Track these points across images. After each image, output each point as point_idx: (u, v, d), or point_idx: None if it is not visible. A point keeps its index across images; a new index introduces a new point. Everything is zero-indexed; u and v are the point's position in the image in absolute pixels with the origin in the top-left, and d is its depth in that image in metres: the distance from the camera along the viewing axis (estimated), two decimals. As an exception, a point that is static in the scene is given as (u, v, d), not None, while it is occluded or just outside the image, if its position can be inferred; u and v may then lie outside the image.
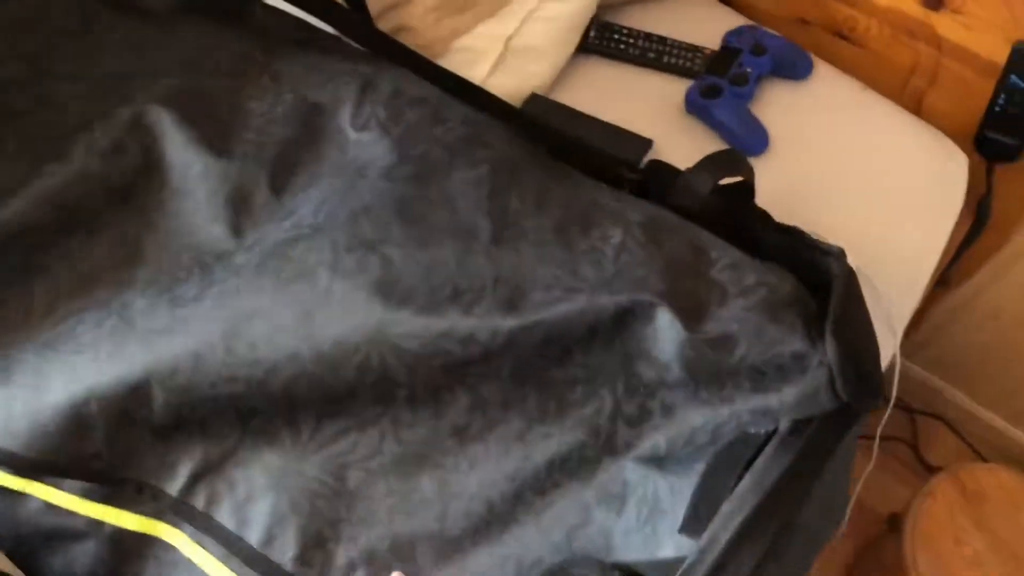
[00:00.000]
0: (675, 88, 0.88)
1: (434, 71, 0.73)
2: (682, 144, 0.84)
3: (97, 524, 0.52)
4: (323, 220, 0.55)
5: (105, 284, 0.55)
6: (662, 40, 0.91)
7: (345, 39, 0.71)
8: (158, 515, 0.51)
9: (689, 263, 0.54)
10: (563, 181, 0.60)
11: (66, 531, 0.52)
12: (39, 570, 0.53)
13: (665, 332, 0.52)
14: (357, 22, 0.73)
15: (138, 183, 0.58)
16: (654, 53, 0.90)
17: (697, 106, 0.85)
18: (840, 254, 0.53)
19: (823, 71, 0.90)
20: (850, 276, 0.52)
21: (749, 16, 0.96)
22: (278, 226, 0.56)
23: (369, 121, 0.60)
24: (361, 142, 0.59)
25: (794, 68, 0.89)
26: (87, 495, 0.52)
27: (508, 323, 0.52)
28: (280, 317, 0.52)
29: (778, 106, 0.87)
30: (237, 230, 0.56)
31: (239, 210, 0.57)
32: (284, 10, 0.71)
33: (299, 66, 0.63)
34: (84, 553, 0.52)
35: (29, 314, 0.54)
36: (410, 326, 0.52)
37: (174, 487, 0.52)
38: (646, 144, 0.83)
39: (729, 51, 0.88)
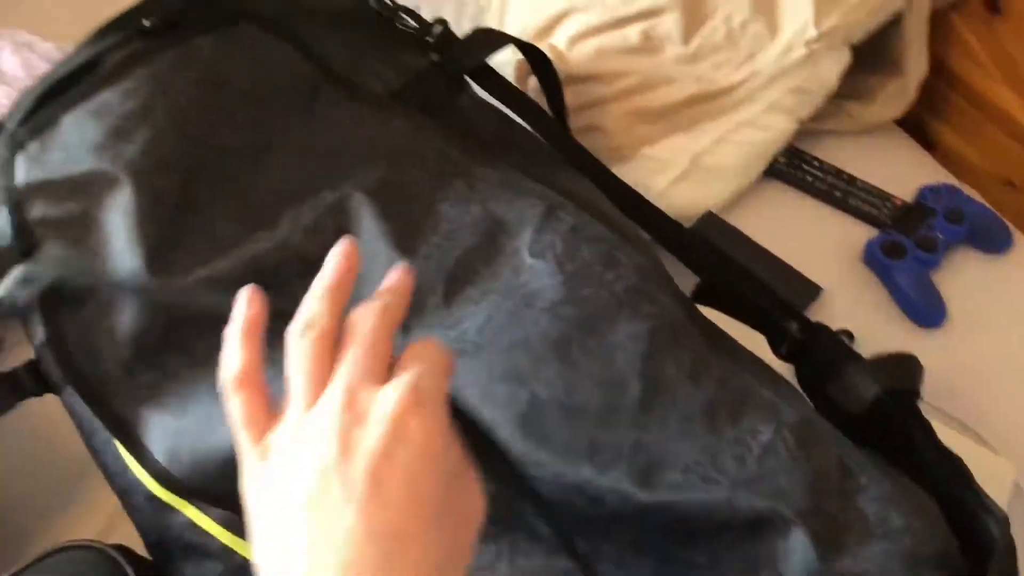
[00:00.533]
0: (856, 234, 0.84)
1: (615, 183, 0.72)
2: (852, 296, 0.81)
3: (230, 551, 0.54)
4: (484, 341, 0.54)
5: (276, 346, 0.57)
6: (852, 180, 0.87)
7: (537, 135, 0.71)
8: None
9: (836, 484, 0.51)
10: (722, 353, 0.57)
11: (202, 549, 0.55)
12: (174, 571, 0.56)
13: (797, 554, 0.49)
14: (552, 124, 0.73)
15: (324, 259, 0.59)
16: (841, 192, 0.86)
17: (876, 261, 0.81)
18: (1004, 521, 0.49)
19: (1022, 248, 0.84)
20: (1009, 551, 0.48)
21: (952, 166, 0.90)
22: (443, 334, 0.56)
23: (546, 251, 0.58)
24: (535, 269, 0.58)
25: (991, 240, 0.83)
26: (227, 525, 0.54)
27: (639, 496, 0.51)
28: None
29: (964, 278, 0.81)
30: (406, 327, 0.56)
31: (411, 308, 0.57)
32: (489, 103, 0.71)
33: (493, 176, 0.62)
34: (213, 571, 0.55)
35: (210, 359, 0.56)
36: (543, 470, 0.51)
37: None
38: (815, 291, 0.80)
39: (922, 209, 0.83)
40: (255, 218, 0.59)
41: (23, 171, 0.57)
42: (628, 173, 0.81)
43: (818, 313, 0.79)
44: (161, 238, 0.56)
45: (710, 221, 0.83)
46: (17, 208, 0.56)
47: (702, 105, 0.82)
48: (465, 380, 0.53)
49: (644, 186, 0.81)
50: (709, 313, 0.63)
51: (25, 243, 0.56)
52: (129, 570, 0.53)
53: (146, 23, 0.59)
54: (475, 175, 0.62)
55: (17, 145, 0.57)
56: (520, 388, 0.53)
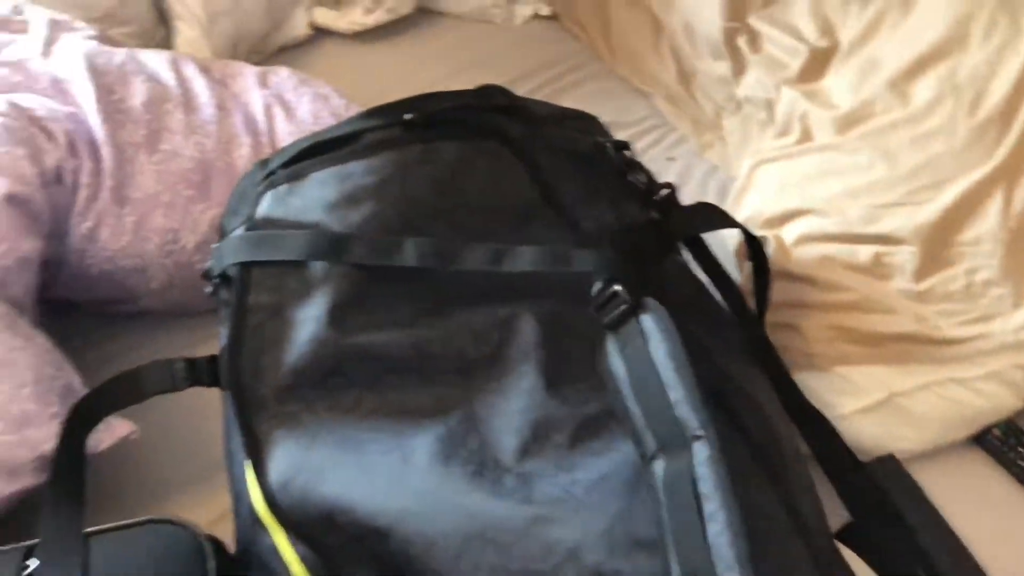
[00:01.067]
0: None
1: (792, 390, 0.69)
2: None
3: None
4: (591, 500, 0.54)
5: (411, 424, 0.59)
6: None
7: (730, 316, 0.71)
8: None
9: None
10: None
11: (275, 574, 0.56)
12: None
13: None
14: (748, 312, 0.72)
15: (479, 368, 0.61)
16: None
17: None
18: None
19: None
20: None
21: None
22: (553, 478, 0.56)
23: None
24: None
25: None
26: (305, 561, 0.56)
27: None
28: (512, 562, 0.52)
29: None
30: (524, 452, 0.57)
31: (537, 438, 0.58)
32: (692, 271, 0.71)
33: None
34: None
35: (350, 411, 0.59)
36: None
37: None
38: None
39: None
40: (433, 307, 0.62)
41: (266, 205, 0.65)
42: (815, 384, 0.78)
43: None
44: (350, 296, 0.61)
45: (889, 465, 0.77)
46: (252, 231, 0.64)
47: (915, 345, 0.78)
48: (561, 529, 0.53)
49: (828, 404, 0.77)
50: (848, 555, 0.59)
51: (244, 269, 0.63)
52: (211, 562, 0.56)
53: (408, 116, 0.66)
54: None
55: (271, 183, 0.66)
56: (608, 560, 0.52)
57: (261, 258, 0.63)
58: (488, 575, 0.51)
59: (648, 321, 0.57)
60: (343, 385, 0.60)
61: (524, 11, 1.38)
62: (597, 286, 0.60)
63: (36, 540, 0.55)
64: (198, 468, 0.77)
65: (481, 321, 0.62)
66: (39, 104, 0.79)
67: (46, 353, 0.67)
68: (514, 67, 1.29)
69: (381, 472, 0.56)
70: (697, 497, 0.50)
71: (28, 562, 0.54)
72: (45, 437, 0.64)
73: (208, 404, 0.73)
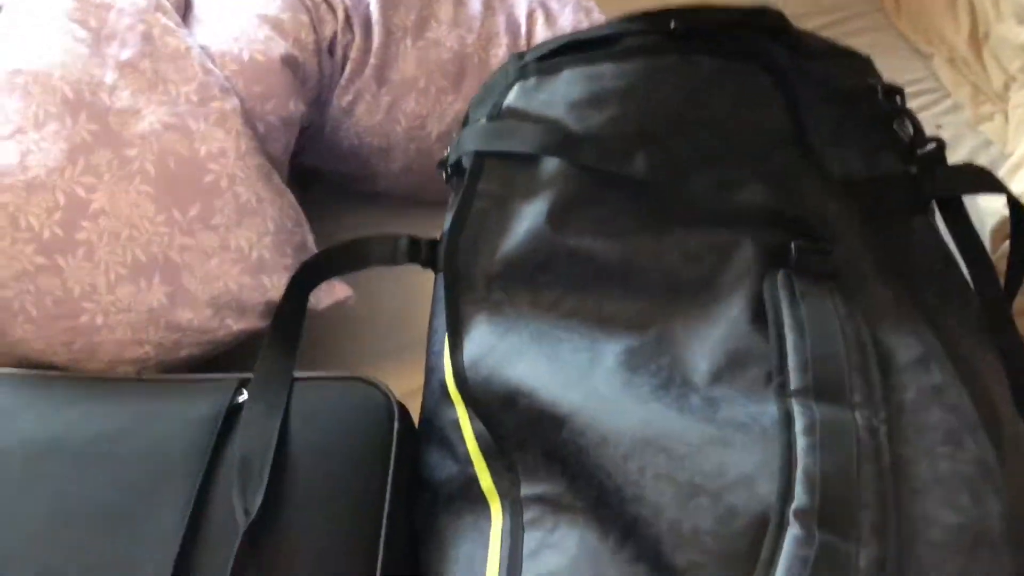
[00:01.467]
0: None
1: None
2: None
3: (468, 461, 0.58)
4: (776, 435, 0.51)
5: (606, 331, 0.59)
6: None
7: (971, 291, 0.65)
8: (503, 493, 0.56)
9: None
10: None
11: (452, 447, 0.59)
12: (425, 450, 0.62)
13: None
14: (996, 289, 0.65)
15: (687, 288, 0.60)
16: None
17: None
18: None
19: None
20: None
21: None
22: (743, 406, 0.54)
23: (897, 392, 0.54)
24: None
25: None
26: (479, 439, 0.58)
27: None
28: (680, 473, 0.51)
29: None
30: (716, 377, 0.56)
31: (732, 366, 0.56)
32: (941, 236, 0.65)
33: (890, 300, 0.59)
34: (448, 469, 0.59)
35: (551, 308, 0.60)
36: None
37: (526, 491, 0.55)
38: None
39: None
40: (651, 221, 0.61)
41: (514, 95, 0.66)
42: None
43: None
44: (572, 198, 0.61)
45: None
46: (492, 120, 0.65)
47: None
48: (739, 454, 0.51)
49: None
50: None
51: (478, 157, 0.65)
52: (396, 424, 0.60)
53: (673, 24, 0.64)
54: (871, 292, 0.59)
55: (523, 75, 0.66)
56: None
57: (495, 148, 0.64)
58: (652, 480, 0.50)
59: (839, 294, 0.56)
60: (549, 282, 0.61)
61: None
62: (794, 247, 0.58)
63: (251, 375, 0.60)
64: (399, 344, 0.81)
65: (697, 243, 0.61)
66: (325, -25, 0.84)
67: (290, 208, 0.72)
68: (790, 5, 1.22)
69: (568, 366, 0.56)
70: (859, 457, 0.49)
71: (240, 392, 0.59)
72: (275, 285, 0.69)
73: (421, 289, 0.77)
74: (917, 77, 1.15)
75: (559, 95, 0.64)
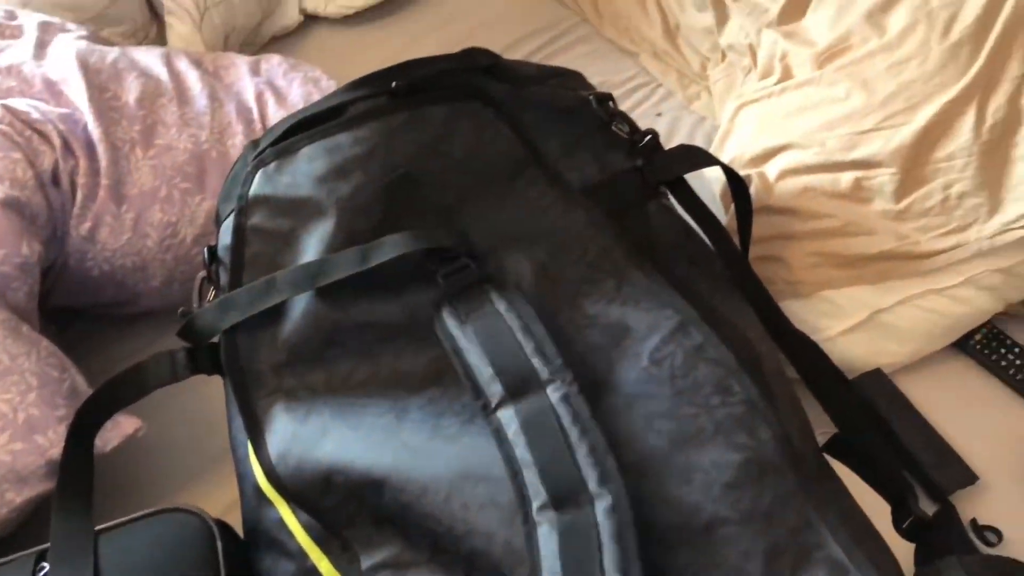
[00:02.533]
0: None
1: (778, 318, 0.68)
2: (1016, 497, 0.70)
3: (303, 554, 0.56)
4: None
5: (405, 388, 0.58)
6: (1053, 379, 0.76)
7: (714, 253, 0.69)
8: (345, 574, 0.54)
9: None
10: (811, 502, 0.52)
11: (283, 547, 0.57)
12: (257, 560, 0.58)
13: None
14: (732, 247, 0.70)
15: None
16: (1036, 388, 0.76)
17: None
18: None
19: None
20: None
21: None
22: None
23: (664, 361, 0.56)
24: (648, 376, 0.56)
25: None
26: (308, 530, 0.56)
27: None
28: (502, 496, 0.51)
29: None
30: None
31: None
32: (678, 213, 0.69)
33: (643, 282, 0.61)
34: (286, 570, 0.57)
35: (345, 381, 0.59)
36: None
37: (367, 563, 0.53)
38: (969, 478, 0.70)
39: None
40: (419, 272, 0.61)
41: (258, 184, 0.63)
42: (801, 310, 0.77)
43: (968, 504, 0.70)
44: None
45: (875, 378, 0.76)
46: (242, 212, 0.63)
47: (895, 263, 0.76)
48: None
49: (814, 327, 0.76)
50: (838, 467, 0.58)
51: (237, 240, 0.62)
52: (220, 544, 0.56)
53: (394, 84, 0.64)
54: (627, 278, 0.62)
55: (261, 162, 0.64)
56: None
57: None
58: (477, 511, 0.51)
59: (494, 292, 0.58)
60: (338, 356, 0.59)
61: (510, -20, 1.35)
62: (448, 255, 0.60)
63: (47, 545, 0.54)
64: (205, 459, 0.76)
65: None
66: (33, 107, 0.77)
67: (50, 357, 0.66)
68: (504, 36, 1.26)
69: (375, 431, 0.55)
70: (562, 429, 0.52)
71: (41, 565, 0.53)
72: (53, 441, 0.62)
73: (212, 394, 0.72)
74: (631, 75, 1.21)
75: (303, 173, 0.63)
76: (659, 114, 1.14)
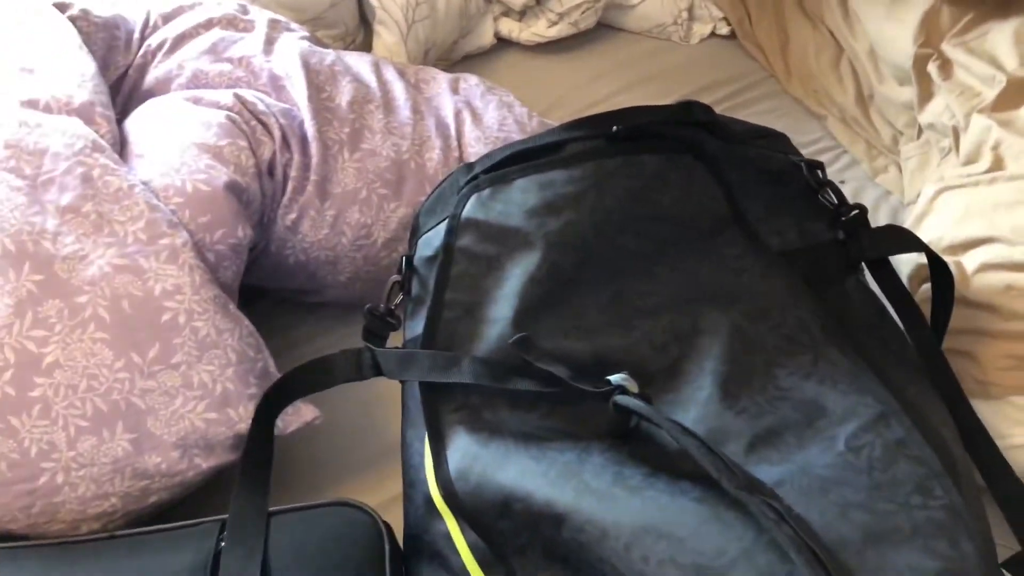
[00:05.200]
0: None
1: (970, 418, 0.64)
2: None
3: (465, 573, 0.56)
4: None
5: (588, 430, 0.58)
6: None
7: (907, 340, 0.66)
8: None
9: None
10: None
11: (446, 561, 0.57)
12: (414, 568, 0.59)
13: None
14: (928, 337, 0.67)
15: (658, 378, 0.60)
16: None
17: None
18: None
19: None
20: None
21: None
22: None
23: (863, 450, 0.54)
24: (844, 462, 0.53)
25: None
26: (474, 550, 0.56)
27: None
28: (683, 556, 0.50)
29: None
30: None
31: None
32: (873, 292, 0.67)
33: (843, 362, 0.59)
34: None
35: (528, 412, 0.59)
36: None
37: None
38: None
39: None
40: (616, 317, 0.61)
41: (471, 207, 0.65)
42: (986, 412, 0.72)
43: None
44: (538, 301, 0.61)
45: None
46: (452, 232, 0.64)
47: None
48: (735, 529, 0.50)
49: (998, 433, 0.71)
50: None
51: (444, 257, 0.64)
52: (387, 546, 0.57)
53: (614, 128, 0.65)
54: (825, 355, 0.60)
55: (476, 187, 0.66)
56: (780, 565, 0.48)
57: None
58: (656, 566, 0.49)
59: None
60: (524, 385, 0.59)
61: (703, 30, 1.33)
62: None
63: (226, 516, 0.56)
64: (368, 455, 0.78)
65: (663, 332, 0.61)
66: (259, 99, 0.81)
67: (249, 336, 0.68)
68: (687, 84, 1.25)
69: (557, 466, 0.55)
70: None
71: (224, 535, 0.55)
72: (242, 416, 0.65)
73: (378, 397, 0.73)
74: (815, 137, 1.18)
75: (515, 204, 0.64)
76: (842, 181, 1.10)
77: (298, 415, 0.68)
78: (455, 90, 0.99)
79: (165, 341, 0.62)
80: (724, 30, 1.34)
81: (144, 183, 0.70)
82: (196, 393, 0.62)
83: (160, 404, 0.61)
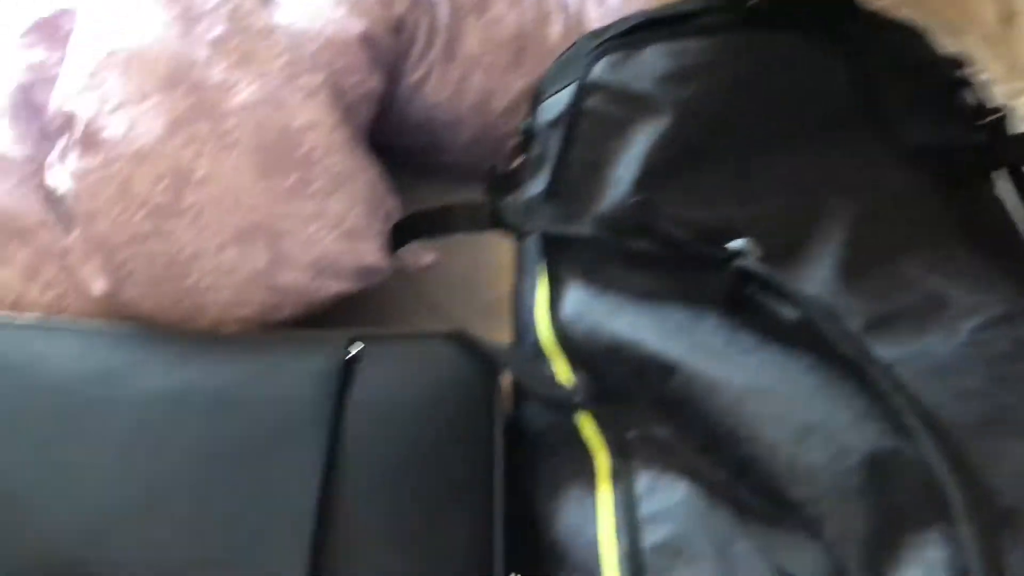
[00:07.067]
0: None
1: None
2: None
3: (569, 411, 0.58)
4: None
5: (701, 296, 0.59)
6: None
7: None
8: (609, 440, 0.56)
9: None
10: None
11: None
12: (520, 406, 0.63)
13: None
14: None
15: (777, 253, 0.60)
16: None
17: None
18: None
19: None
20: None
21: None
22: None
23: (987, 343, 0.54)
24: (964, 352, 0.54)
25: None
26: (586, 389, 0.58)
27: None
28: (794, 414, 0.51)
29: None
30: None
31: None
32: (1002, 203, 0.66)
33: (973, 261, 0.59)
34: (545, 420, 0.60)
35: (644, 269, 0.61)
36: None
37: (632, 434, 0.56)
38: None
39: None
40: (739, 191, 0.63)
41: (600, 69, 0.67)
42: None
43: None
44: (661, 166, 0.63)
45: None
46: (581, 92, 0.67)
47: None
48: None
49: None
50: None
51: (571, 117, 0.66)
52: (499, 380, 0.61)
53: (751, 2, 0.66)
54: (952, 252, 0.60)
55: (605, 51, 0.67)
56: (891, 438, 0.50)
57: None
58: (766, 420, 0.51)
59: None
60: (642, 245, 0.61)
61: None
62: None
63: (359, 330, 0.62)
64: (468, 310, 0.81)
65: (785, 211, 0.62)
66: (393, -45, 0.84)
67: (379, 178, 0.73)
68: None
69: (670, 322, 0.57)
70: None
71: (350, 347, 0.60)
72: (368, 250, 0.70)
73: (483, 255, 0.78)
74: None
75: (646, 70, 0.65)
76: (977, 101, 1.09)
77: (416, 256, 0.73)
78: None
79: (303, 171, 0.67)
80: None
81: (284, 26, 0.75)
82: (329, 222, 0.68)
83: (296, 228, 0.67)
